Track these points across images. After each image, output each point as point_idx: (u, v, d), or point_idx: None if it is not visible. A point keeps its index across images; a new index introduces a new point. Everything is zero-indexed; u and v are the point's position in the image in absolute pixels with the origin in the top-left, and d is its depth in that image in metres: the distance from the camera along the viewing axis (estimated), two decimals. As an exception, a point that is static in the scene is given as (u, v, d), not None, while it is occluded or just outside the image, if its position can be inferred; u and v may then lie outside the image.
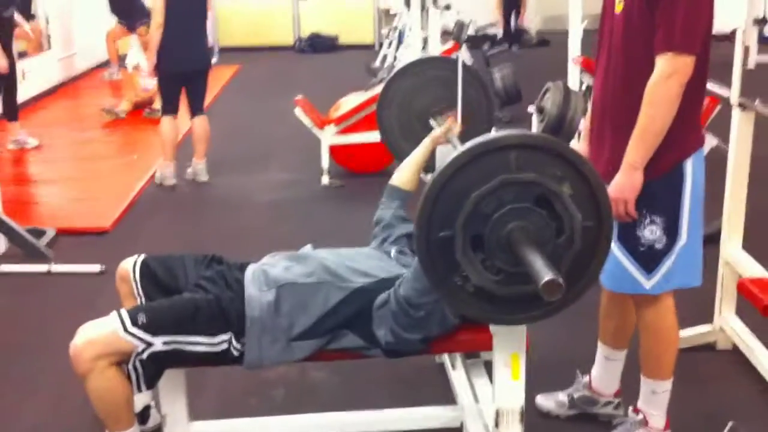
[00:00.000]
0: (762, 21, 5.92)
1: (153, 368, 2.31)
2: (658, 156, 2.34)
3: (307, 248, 2.68)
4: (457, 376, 2.97)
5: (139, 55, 8.08)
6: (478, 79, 3.71)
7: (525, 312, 2.16)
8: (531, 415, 2.85)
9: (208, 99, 8.68)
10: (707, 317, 3.32)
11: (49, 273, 4.31)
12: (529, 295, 2.08)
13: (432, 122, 3.38)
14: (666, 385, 2.66)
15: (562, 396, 2.92)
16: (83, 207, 5.48)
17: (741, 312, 3.31)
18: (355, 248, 2.69)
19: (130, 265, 2.65)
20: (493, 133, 2.07)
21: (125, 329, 2.27)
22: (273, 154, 6.67)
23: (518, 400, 2.34)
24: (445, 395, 2.96)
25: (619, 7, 2.39)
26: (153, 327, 2.30)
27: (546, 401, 2.97)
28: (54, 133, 7.27)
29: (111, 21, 9.62)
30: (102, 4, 9.49)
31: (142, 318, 2.30)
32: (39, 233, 4.65)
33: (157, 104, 7.81)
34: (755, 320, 3.18)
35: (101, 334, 2.28)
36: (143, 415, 2.82)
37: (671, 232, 2.43)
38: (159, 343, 2.29)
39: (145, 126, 7.49)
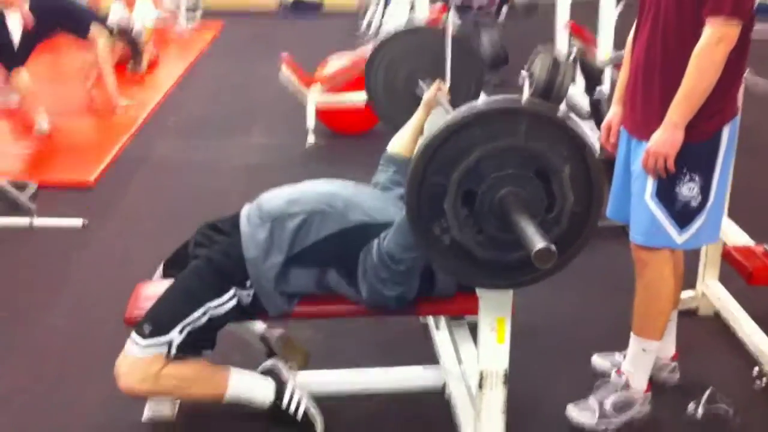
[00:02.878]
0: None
1: (194, 351, 2.39)
2: (701, 122, 2.42)
3: (306, 182, 2.69)
4: (441, 337, 2.98)
5: (124, 12, 7.94)
6: (468, 46, 3.69)
7: (499, 277, 2.18)
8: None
9: (190, 59, 8.66)
10: (690, 283, 3.34)
11: (30, 226, 4.26)
12: (505, 262, 2.10)
13: (421, 84, 3.37)
14: (655, 345, 2.70)
15: (618, 357, 2.91)
16: (66, 161, 5.41)
17: (723, 279, 3.33)
18: (362, 185, 2.70)
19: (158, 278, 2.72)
20: (509, 97, 2.08)
21: (141, 346, 2.32)
22: (256, 117, 6.60)
23: (503, 362, 2.36)
24: (429, 356, 2.97)
25: None
26: (161, 327, 2.35)
27: (602, 361, 2.98)
28: (35, 87, 7.15)
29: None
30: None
31: (147, 327, 2.35)
32: (20, 186, 4.59)
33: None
34: (737, 287, 3.20)
35: (129, 364, 2.34)
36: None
37: (705, 191, 2.51)
38: (176, 335, 2.34)
39: (129, 81, 7.36)
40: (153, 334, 2.33)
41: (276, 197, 2.55)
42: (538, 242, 1.86)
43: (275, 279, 2.43)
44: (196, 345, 2.39)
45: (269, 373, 2.58)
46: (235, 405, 2.57)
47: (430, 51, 3.49)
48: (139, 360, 2.33)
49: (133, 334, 2.36)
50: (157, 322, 2.35)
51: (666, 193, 2.51)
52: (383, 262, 2.34)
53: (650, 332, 2.68)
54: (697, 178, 2.49)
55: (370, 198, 2.58)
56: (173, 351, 2.34)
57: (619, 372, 2.75)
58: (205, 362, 2.45)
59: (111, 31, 6.71)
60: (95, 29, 6.40)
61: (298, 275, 2.45)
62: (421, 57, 3.51)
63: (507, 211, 2.01)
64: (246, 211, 2.55)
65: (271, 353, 2.81)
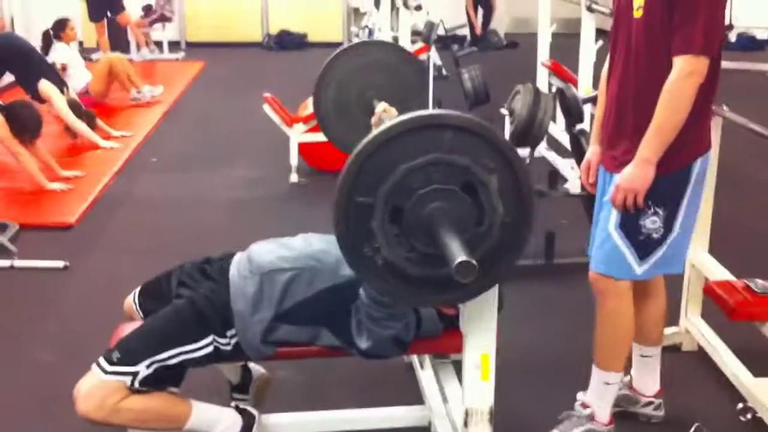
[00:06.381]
0: (728, 27, 5.97)
1: (158, 386, 2.33)
2: (672, 155, 2.43)
3: (299, 236, 2.65)
4: (426, 375, 2.96)
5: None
6: (418, 64, 3.63)
7: (435, 294, 2.14)
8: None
9: (175, 94, 8.67)
10: (673, 319, 3.35)
11: (12, 268, 4.25)
12: (439, 278, 2.06)
13: (375, 104, 3.29)
14: (618, 378, 2.72)
15: None
16: (47, 202, 5.37)
17: (706, 315, 3.34)
18: None
19: (131, 300, 2.68)
20: (433, 110, 2.06)
21: (105, 372, 2.28)
22: (239, 152, 6.61)
23: (488, 400, 2.34)
24: (413, 395, 2.95)
25: (638, 13, 2.46)
26: (129, 357, 2.30)
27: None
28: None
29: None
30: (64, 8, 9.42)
31: (116, 354, 2.31)
32: (1, 227, 4.58)
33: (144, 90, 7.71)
34: (720, 322, 3.21)
35: (91, 387, 2.29)
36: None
37: (668, 223, 2.53)
38: (142, 368, 2.29)
39: (115, 114, 7.35)
40: (120, 362, 2.28)
41: (266, 251, 2.53)
42: (458, 256, 1.82)
43: (262, 333, 2.40)
44: (162, 381, 2.34)
45: (238, 410, 2.53)
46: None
47: (383, 67, 3.41)
48: (100, 384, 2.27)
49: (101, 359, 2.31)
50: (128, 351, 2.31)
51: (630, 225, 2.53)
52: (373, 299, 2.32)
53: (611, 364, 2.70)
54: (661, 212, 2.51)
55: None
56: (137, 384, 2.29)
57: (584, 405, 2.76)
58: (167, 396, 2.38)
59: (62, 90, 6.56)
60: (44, 86, 6.38)
61: (289, 332, 2.42)
62: (374, 73, 3.40)
63: (433, 226, 1.98)
64: (236, 261, 2.53)
65: (242, 384, 2.80)
